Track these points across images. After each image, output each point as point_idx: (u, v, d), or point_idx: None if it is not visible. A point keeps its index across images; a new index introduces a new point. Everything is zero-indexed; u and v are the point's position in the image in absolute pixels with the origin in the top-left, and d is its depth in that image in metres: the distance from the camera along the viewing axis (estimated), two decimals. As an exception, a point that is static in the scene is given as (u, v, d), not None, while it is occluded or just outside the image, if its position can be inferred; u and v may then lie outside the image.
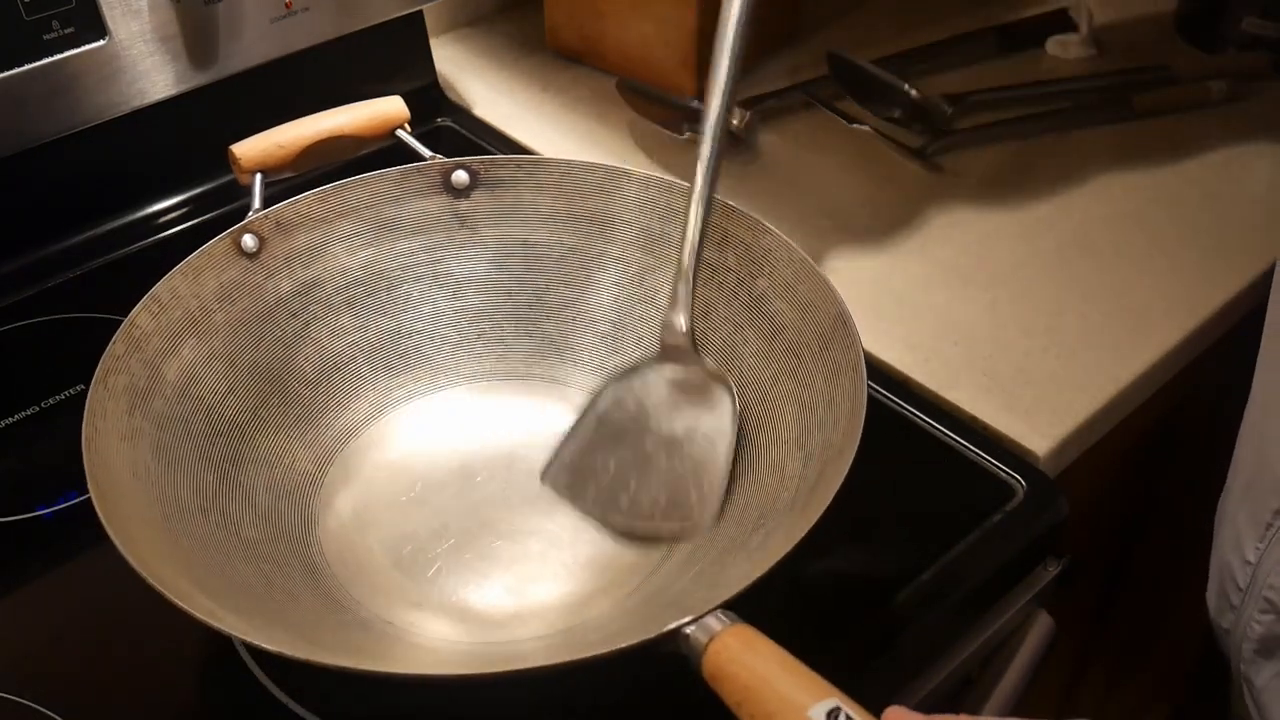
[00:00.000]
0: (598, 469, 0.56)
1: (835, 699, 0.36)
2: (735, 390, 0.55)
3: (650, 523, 0.54)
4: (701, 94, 0.86)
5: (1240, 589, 0.61)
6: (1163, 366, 0.68)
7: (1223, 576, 0.63)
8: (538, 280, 0.63)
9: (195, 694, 0.52)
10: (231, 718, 0.51)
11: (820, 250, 0.74)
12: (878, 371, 0.66)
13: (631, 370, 0.57)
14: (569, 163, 0.63)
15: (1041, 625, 0.60)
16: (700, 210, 0.56)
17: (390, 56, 0.85)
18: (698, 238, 0.56)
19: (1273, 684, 0.60)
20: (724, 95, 0.56)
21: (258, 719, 0.50)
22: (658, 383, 0.57)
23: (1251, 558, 0.60)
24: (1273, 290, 0.61)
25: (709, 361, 0.57)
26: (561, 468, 0.56)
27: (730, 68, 0.56)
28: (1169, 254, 0.74)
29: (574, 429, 0.57)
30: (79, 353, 0.55)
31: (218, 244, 0.58)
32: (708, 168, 0.56)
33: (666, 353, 0.57)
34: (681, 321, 0.56)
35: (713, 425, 0.55)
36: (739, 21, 0.56)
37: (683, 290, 0.56)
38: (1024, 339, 0.68)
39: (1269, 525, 0.59)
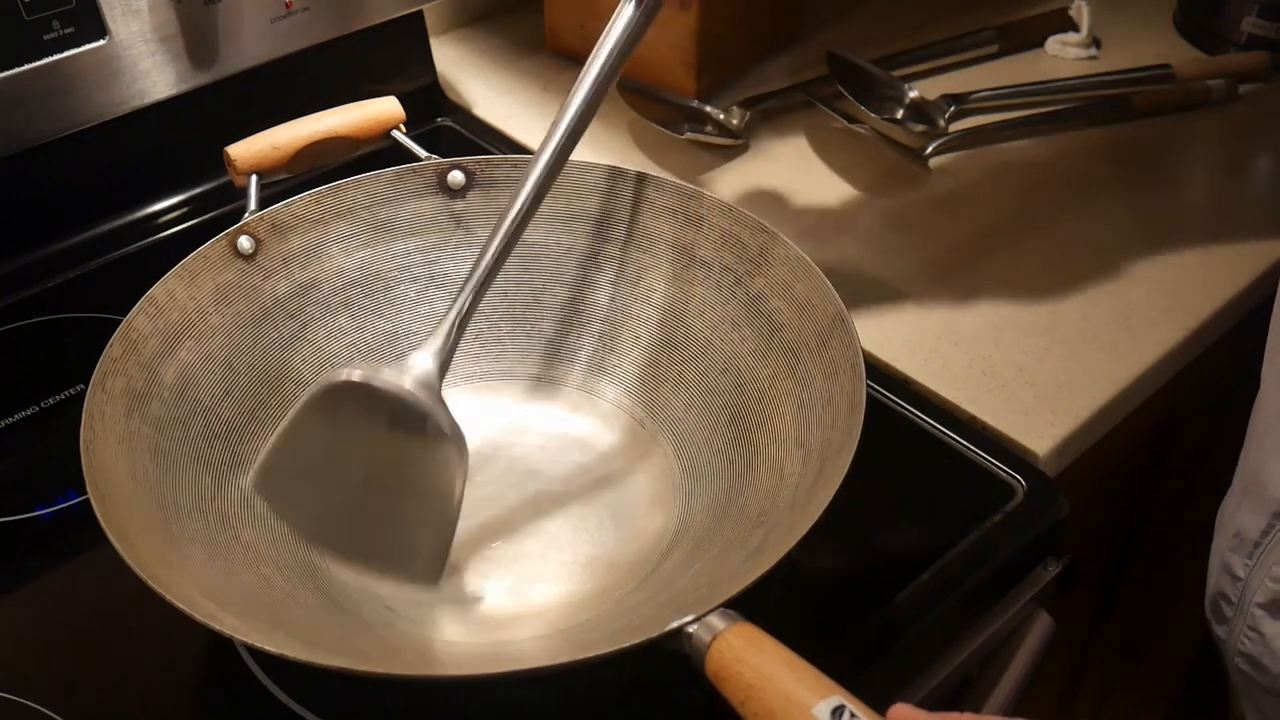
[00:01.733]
0: (320, 488, 0.51)
1: (840, 697, 0.36)
2: (465, 450, 0.51)
3: (369, 563, 0.52)
4: (701, 94, 0.86)
5: (1232, 602, 0.61)
6: (1163, 366, 0.68)
7: (1218, 583, 0.63)
8: (534, 280, 0.63)
9: (195, 694, 0.52)
10: (231, 718, 0.51)
11: (819, 249, 0.74)
12: (877, 371, 0.66)
13: (358, 387, 0.50)
14: (566, 163, 0.63)
15: (1041, 625, 0.60)
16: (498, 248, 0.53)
17: (390, 56, 0.85)
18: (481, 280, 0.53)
19: (1265, 702, 0.60)
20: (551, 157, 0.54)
21: (258, 719, 0.50)
22: (386, 411, 0.50)
23: (1241, 573, 0.60)
24: (1277, 302, 0.61)
25: (447, 411, 0.51)
26: (275, 476, 0.51)
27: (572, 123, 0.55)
28: (1169, 254, 0.74)
29: (289, 435, 0.50)
30: (79, 353, 0.55)
31: (214, 246, 0.58)
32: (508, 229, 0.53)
33: (412, 382, 0.51)
34: (428, 361, 0.51)
35: (439, 484, 0.50)
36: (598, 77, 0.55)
37: (447, 324, 0.52)
38: (1024, 339, 0.68)
39: (1256, 544, 0.59)
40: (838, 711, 0.36)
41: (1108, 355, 0.67)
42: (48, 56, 0.66)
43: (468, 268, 0.63)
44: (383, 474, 0.52)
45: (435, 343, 0.52)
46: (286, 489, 0.52)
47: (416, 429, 0.50)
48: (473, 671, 0.44)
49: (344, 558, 0.52)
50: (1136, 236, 0.76)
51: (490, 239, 0.53)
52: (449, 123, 0.87)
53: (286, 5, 0.74)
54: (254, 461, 0.55)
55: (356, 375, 0.50)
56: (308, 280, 0.61)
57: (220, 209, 0.77)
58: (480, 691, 0.47)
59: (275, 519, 0.54)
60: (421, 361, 0.51)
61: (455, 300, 0.53)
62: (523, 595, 0.53)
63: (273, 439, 0.51)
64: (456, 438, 0.50)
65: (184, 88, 0.72)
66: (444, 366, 0.51)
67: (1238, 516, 0.61)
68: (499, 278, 0.63)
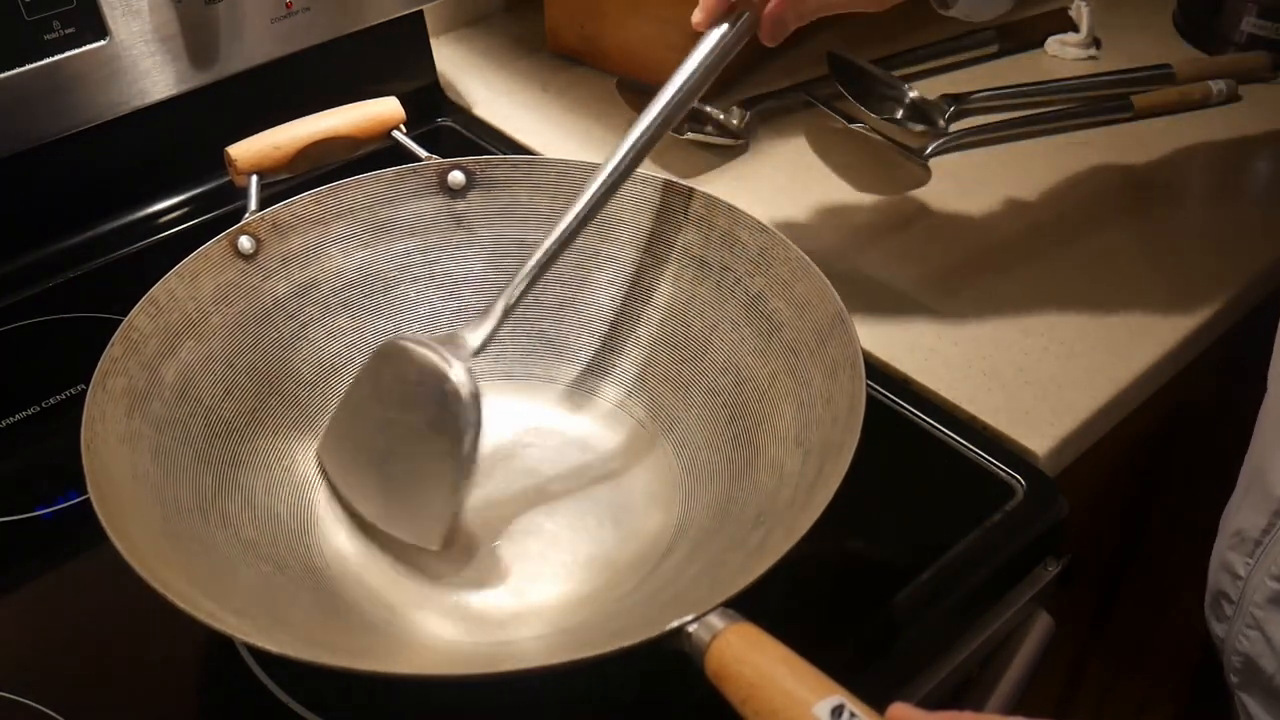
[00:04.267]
0: (361, 450, 0.55)
1: (840, 696, 0.36)
2: (479, 415, 0.52)
3: (387, 522, 0.54)
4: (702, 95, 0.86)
5: (1232, 600, 0.61)
6: (1163, 366, 0.68)
7: (1219, 581, 0.63)
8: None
9: (196, 694, 0.52)
10: (232, 718, 0.51)
11: (819, 249, 0.74)
12: (877, 371, 0.66)
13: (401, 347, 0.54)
14: (565, 163, 0.63)
15: (1041, 625, 0.60)
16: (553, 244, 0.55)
17: (390, 56, 0.85)
18: (536, 270, 0.55)
19: (1262, 700, 0.60)
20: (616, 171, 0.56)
21: (258, 719, 0.50)
22: (414, 369, 0.53)
23: (1242, 572, 0.60)
24: None
25: (468, 381, 0.52)
26: (334, 440, 0.57)
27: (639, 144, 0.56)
28: (1169, 254, 0.74)
29: (352, 392, 0.57)
30: (79, 353, 0.55)
31: (214, 246, 0.58)
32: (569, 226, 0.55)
33: (450, 347, 0.54)
34: (475, 340, 0.54)
35: (454, 448, 0.52)
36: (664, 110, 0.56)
37: (500, 303, 0.55)
38: (1024, 339, 0.68)
39: (1258, 543, 0.59)
40: (838, 711, 0.36)
41: (1108, 355, 0.67)
42: (48, 57, 0.66)
43: (467, 267, 0.63)
44: (408, 435, 0.54)
45: (481, 323, 0.55)
46: (337, 453, 0.57)
47: (438, 391, 0.52)
48: (473, 671, 0.44)
49: (368, 513, 0.55)
50: (1136, 236, 0.76)
51: (550, 231, 0.56)
52: (449, 123, 0.87)
53: (287, 5, 0.74)
54: (260, 461, 0.56)
55: (400, 338, 0.54)
56: (308, 280, 0.61)
57: (220, 209, 0.77)
58: (480, 691, 0.47)
59: (276, 519, 0.54)
60: (462, 335, 0.54)
61: (507, 288, 0.55)
62: (523, 595, 0.53)
63: (335, 408, 0.57)
64: (471, 401, 0.51)
65: (184, 88, 0.72)
66: (484, 343, 0.54)
67: (1239, 515, 0.61)
68: (498, 278, 0.64)
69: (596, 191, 0.56)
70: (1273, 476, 0.58)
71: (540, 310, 0.63)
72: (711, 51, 0.56)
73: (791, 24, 0.57)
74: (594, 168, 0.58)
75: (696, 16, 0.56)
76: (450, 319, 0.63)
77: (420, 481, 0.53)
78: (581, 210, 0.56)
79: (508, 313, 0.55)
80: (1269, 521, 0.58)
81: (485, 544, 0.55)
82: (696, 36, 0.56)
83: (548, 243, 0.55)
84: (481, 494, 0.58)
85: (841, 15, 0.61)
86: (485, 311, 0.55)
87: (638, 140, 0.56)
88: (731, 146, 0.83)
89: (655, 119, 0.56)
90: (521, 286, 0.55)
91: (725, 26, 0.56)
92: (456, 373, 0.52)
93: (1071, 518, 0.59)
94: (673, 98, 0.56)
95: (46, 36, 0.66)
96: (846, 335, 0.52)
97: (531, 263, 0.55)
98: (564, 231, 0.55)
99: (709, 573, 0.49)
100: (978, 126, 0.85)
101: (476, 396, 0.51)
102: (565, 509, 0.57)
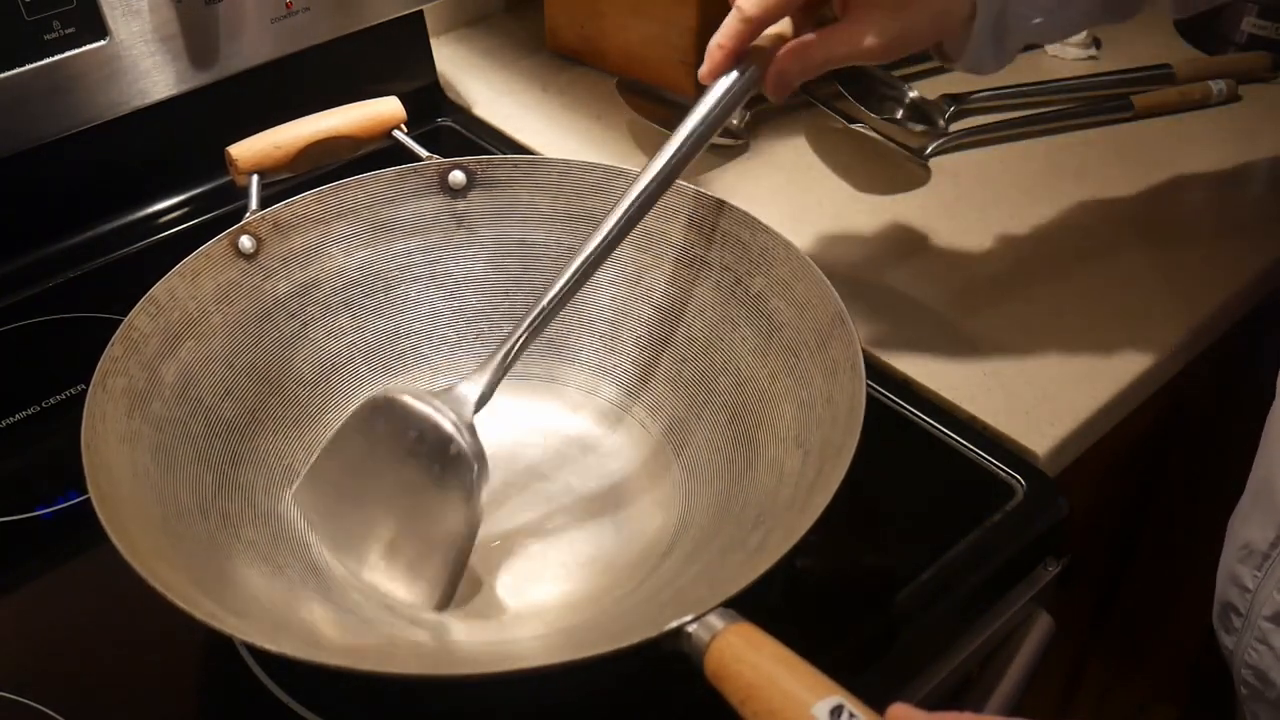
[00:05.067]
0: (350, 501, 0.53)
1: (839, 696, 0.36)
2: (484, 477, 0.51)
3: (381, 577, 0.52)
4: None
5: (1240, 613, 0.61)
6: (1163, 366, 0.68)
7: (1226, 593, 0.62)
8: (536, 280, 0.63)
9: (195, 694, 0.52)
10: (232, 718, 0.51)
11: (819, 249, 0.74)
12: (877, 371, 0.66)
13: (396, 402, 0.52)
14: (567, 162, 0.63)
15: (1041, 625, 0.60)
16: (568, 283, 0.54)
17: (390, 56, 0.85)
18: (549, 310, 0.54)
19: (1270, 715, 0.60)
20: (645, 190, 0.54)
21: (258, 719, 0.50)
22: (427, 429, 0.51)
23: (1250, 585, 0.60)
24: None
25: (474, 444, 0.51)
26: (316, 486, 0.54)
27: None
28: (1169, 254, 0.74)
29: (338, 441, 0.54)
30: (79, 353, 0.55)
31: (215, 245, 0.58)
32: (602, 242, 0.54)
33: (449, 402, 0.52)
34: (474, 394, 0.52)
35: (458, 510, 0.51)
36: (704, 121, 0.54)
37: (496, 360, 0.53)
38: (1024, 339, 0.68)
39: (1266, 556, 0.59)
40: (836, 711, 0.36)
41: (1108, 355, 0.67)
42: (48, 57, 0.66)
43: (468, 267, 0.63)
44: (406, 492, 0.52)
45: (481, 375, 0.53)
46: (320, 499, 0.54)
47: (441, 452, 0.51)
48: (473, 671, 0.44)
49: (360, 569, 0.53)
50: (1136, 236, 0.76)
51: (543, 294, 0.54)
52: (449, 123, 0.87)
53: (287, 5, 0.74)
54: (260, 461, 0.56)
55: (395, 392, 0.52)
56: (309, 280, 0.61)
57: (220, 209, 0.77)
58: (480, 690, 0.47)
59: (277, 518, 0.54)
60: (462, 390, 0.52)
61: (505, 343, 0.53)
62: (523, 595, 0.53)
63: (318, 453, 0.54)
64: (477, 467, 0.51)
65: (184, 88, 0.72)
66: (484, 398, 0.52)
67: (1247, 527, 0.61)
68: (499, 278, 0.64)
69: (589, 256, 0.54)
70: None
71: (541, 310, 0.63)
72: (717, 104, 0.54)
73: (796, 80, 0.56)
74: (609, 170, 0.57)
75: (703, 70, 0.55)
76: (451, 319, 0.63)
77: (418, 540, 0.52)
78: (573, 274, 0.54)
79: (506, 367, 0.53)
80: (1277, 535, 0.58)
81: (485, 544, 0.55)
82: (702, 89, 0.55)
83: (544, 301, 0.53)
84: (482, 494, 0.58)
85: (840, 15, 0.60)
86: (483, 364, 0.53)
87: (635, 200, 0.54)
88: (732, 146, 0.83)
89: (655, 176, 0.54)
90: (519, 341, 0.53)
91: (733, 76, 0.55)
92: (461, 435, 0.50)
93: (1071, 518, 0.59)
94: (674, 154, 0.54)
95: (46, 36, 0.66)
96: (847, 336, 0.52)
97: (526, 321, 0.53)
98: (557, 293, 0.53)
99: (709, 573, 0.49)
100: (978, 126, 0.85)
101: (483, 464, 0.51)
102: (565, 509, 0.57)
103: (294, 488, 0.55)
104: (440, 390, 0.53)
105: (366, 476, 0.53)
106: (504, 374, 0.53)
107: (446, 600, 0.51)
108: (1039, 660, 0.60)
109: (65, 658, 0.53)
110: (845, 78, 0.85)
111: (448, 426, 0.51)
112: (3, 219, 0.72)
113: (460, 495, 0.51)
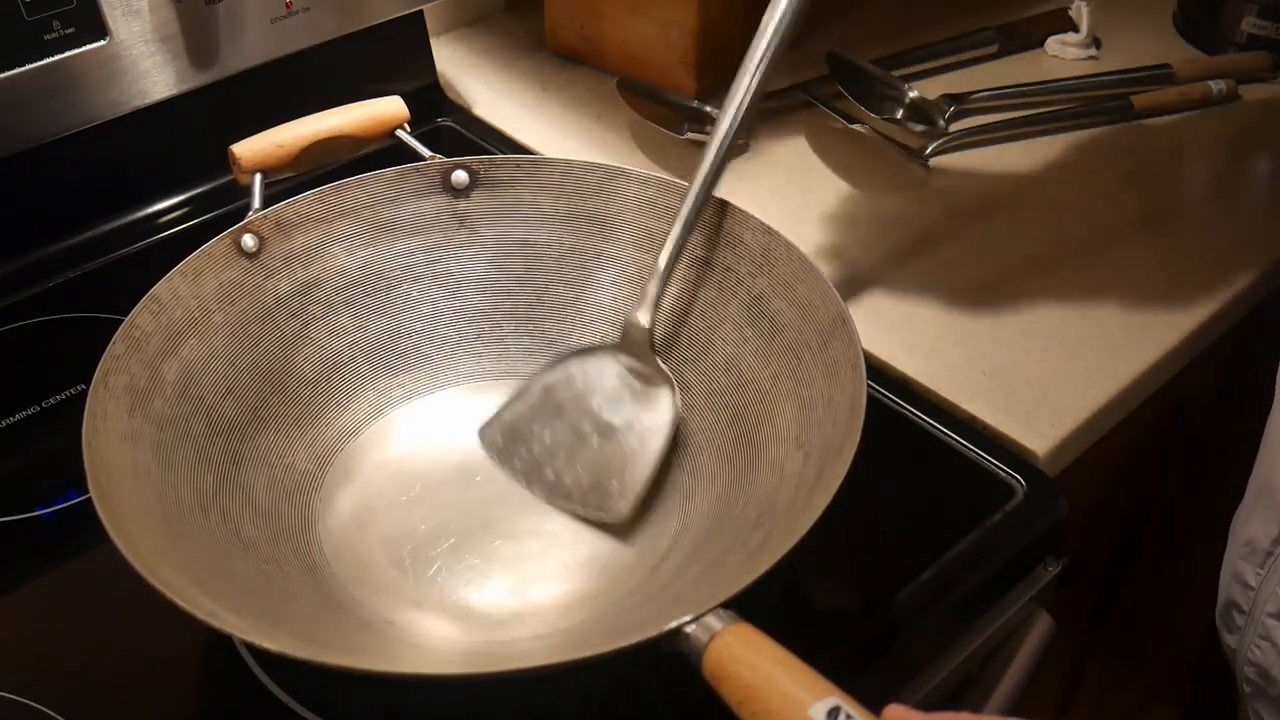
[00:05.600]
0: (533, 438, 0.58)
1: (836, 698, 0.36)
2: (679, 396, 0.57)
3: (568, 502, 0.57)
4: (701, 94, 0.86)
5: (1243, 611, 0.61)
6: (1163, 366, 0.68)
7: (1230, 591, 0.62)
8: (537, 280, 0.63)
9: (195, 693, 0.52)
10: (231, 717, 0.51)
11: (819, 249, 0.74)
12: (878, 371, 0.66)
13: (587, 351, 0.60)
14: (569, 163, 0.63)
15: (1041, 625, 0.60)
16: (690, 213, 0.57)
17: (390, 56, 0.85)
18: (679, 241, 0.58)
19: (1274, 712, 0.60)
20: (740, 104, 0.58)
21: (258, 719, 0.50)
22: (609, 370, 0.59)
23: (1253, 582, 0.60)
24: None
25: (660, 362, 0.58)
26: (500, 428, 0.59)
27: (757, 77, 0.58)
28: (1169, 254, 0.74)
29: (521, 393, 0.60)
30: (79, 353, 0.55)
31: (217, 244, 0.58)
32: (707, 172, 0.57)
33: (626, 344, 0.59)
34: (644, 318, 0.58)
35: (650, 422, 0.57)
36: (778, 29, 0.58)
37: (653, 288, 0.58)
38: (1024, 339, 0.68)
39: (1269, 553, 0.59)
40: (834, 713, 0.36)
41: (1108, 355, 0.67)
42: (48, 57, 0.66)
43: (469, 267, 0.63)
44: (603, 427, 0.57)
45: (645, 303, 0.58)
46: (506, 443, 0.59)
47: (633, 380, 0.58)
48: (472, 670, 0.44)
49: (549, 498, 0.57)
50: (1137, 236, 0.76)
51: (687, 190, 0.58)
52: (449, 122, 0.87)
53: (287, 5, 0.74)
54: (261, 460, 0.56)
55: (585, 341, 0.61)
56: (311, 279, 0.61)
57: (220, 209, 0.77)
58: (479, 690, 0.47)
59: (277, 517, 0.54)
60: (637, 321, 0.58)
61: (661, 252, 0.58)
62: (522, 595, 0.53)
63: (508, 400, 0.60)
64: (670, 383, 0.57)
65: (184, 88, 0.72)
66: (653, 321, 0.58)
67: (1250, 525, 0.61)
68: (500, 278, 0.64)
69: (716, 158, 0.58)
70: None
71: (543, 310, 0.63)
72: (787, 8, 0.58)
73: None
74: (610, 170, 0.59)
75: None
76: (452, 318, 0.63)
77: (611, 467, 0.56)
78: (708, 172, 0.58)
79: (665, 280, 0.58)
80: (1279, 532, 0.58)
81: (486, 544, 0.55)
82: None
83: (685, 210, 0.57)
84: (482, 494, 0.58)
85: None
86: (641, 295, 0.58)
87: (741, 102, 0.58)
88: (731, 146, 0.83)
89: (752, 79, 0.58)
90: (672, 250, 0.57)
91: None
92: (650, 367, 0.57)
93: (1071, 518, 0.59)
94: (765, 52, 0.59)
95: (46, 36, 0.66)
96: (848, 336, 0.52)
97: (679, 224, 0.57)
98: (696, 201, 0.57)
99: (709, 573, 0.49)
100: (978, 126, 0.85)
101: (671, 379, 0.57)
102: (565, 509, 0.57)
103: (483, 429, 0.60)
104: (615, 343, 0.59)
105: (560, 421, 0.58)
106: (664, 289, 0.58)
107: (636, 513, 0.55)
108: (1039, 660, 0.60)
109: (65, 658, 0.53)
110: (845, 78, 0.85)
111: (650, 369, 0.57)
112: (3, 219, 0.72)
113: (664, 413, 0.56)
